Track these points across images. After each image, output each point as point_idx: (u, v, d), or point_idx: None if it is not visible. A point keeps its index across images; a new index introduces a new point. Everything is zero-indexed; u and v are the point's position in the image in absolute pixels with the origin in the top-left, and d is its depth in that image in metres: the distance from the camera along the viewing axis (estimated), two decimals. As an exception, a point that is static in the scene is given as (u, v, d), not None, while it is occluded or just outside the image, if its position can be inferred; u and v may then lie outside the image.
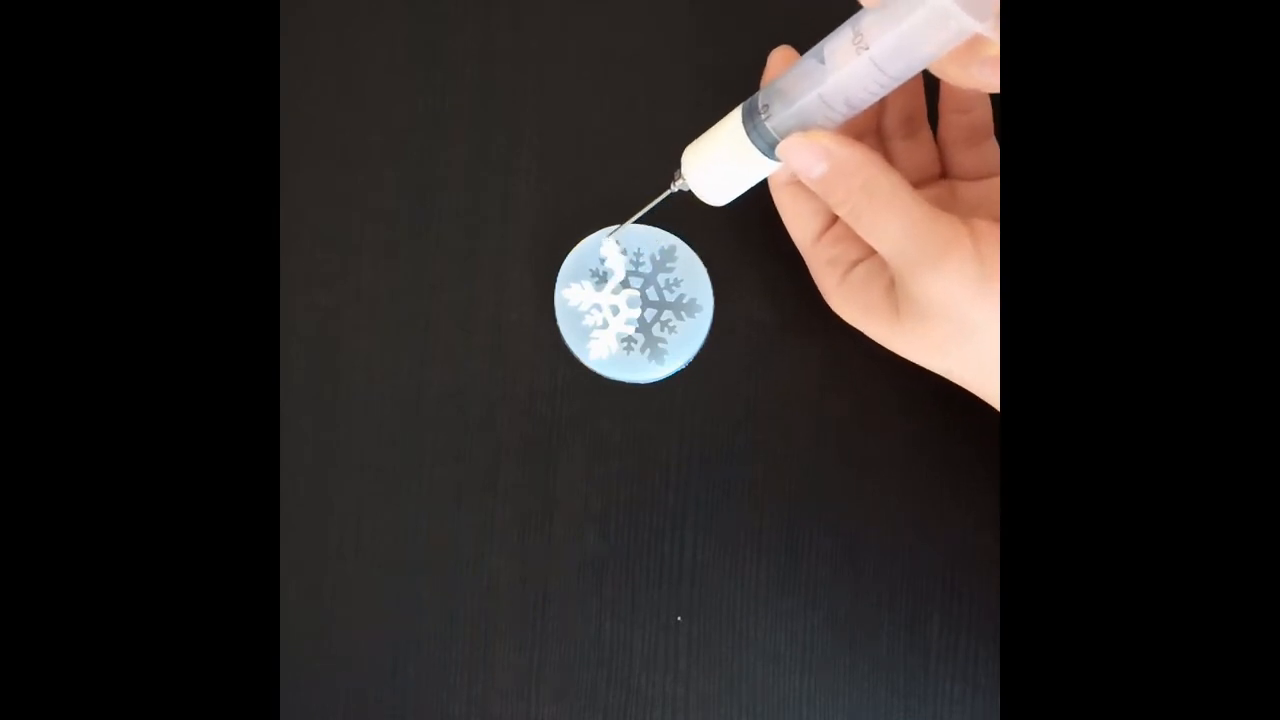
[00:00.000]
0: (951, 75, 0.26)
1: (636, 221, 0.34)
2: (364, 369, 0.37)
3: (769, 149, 0.29)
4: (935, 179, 0.33)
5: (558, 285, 0.36)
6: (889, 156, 0.33)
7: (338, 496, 0.37)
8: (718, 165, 0.31)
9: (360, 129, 0.37)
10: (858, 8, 0.26)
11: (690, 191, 0.32)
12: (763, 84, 0.31)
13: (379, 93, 0.37)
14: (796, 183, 0.31)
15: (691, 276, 0.36)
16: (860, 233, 0.29)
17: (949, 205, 0.33)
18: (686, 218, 0.36)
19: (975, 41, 0.24)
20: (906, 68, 0.26)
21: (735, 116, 0.30)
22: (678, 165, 0.32)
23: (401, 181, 0.37)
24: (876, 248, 0.29)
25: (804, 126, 0.28)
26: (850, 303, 0.32)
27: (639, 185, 0.37)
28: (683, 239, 0.36)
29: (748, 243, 0.36)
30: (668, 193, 0.33)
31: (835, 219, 0.32)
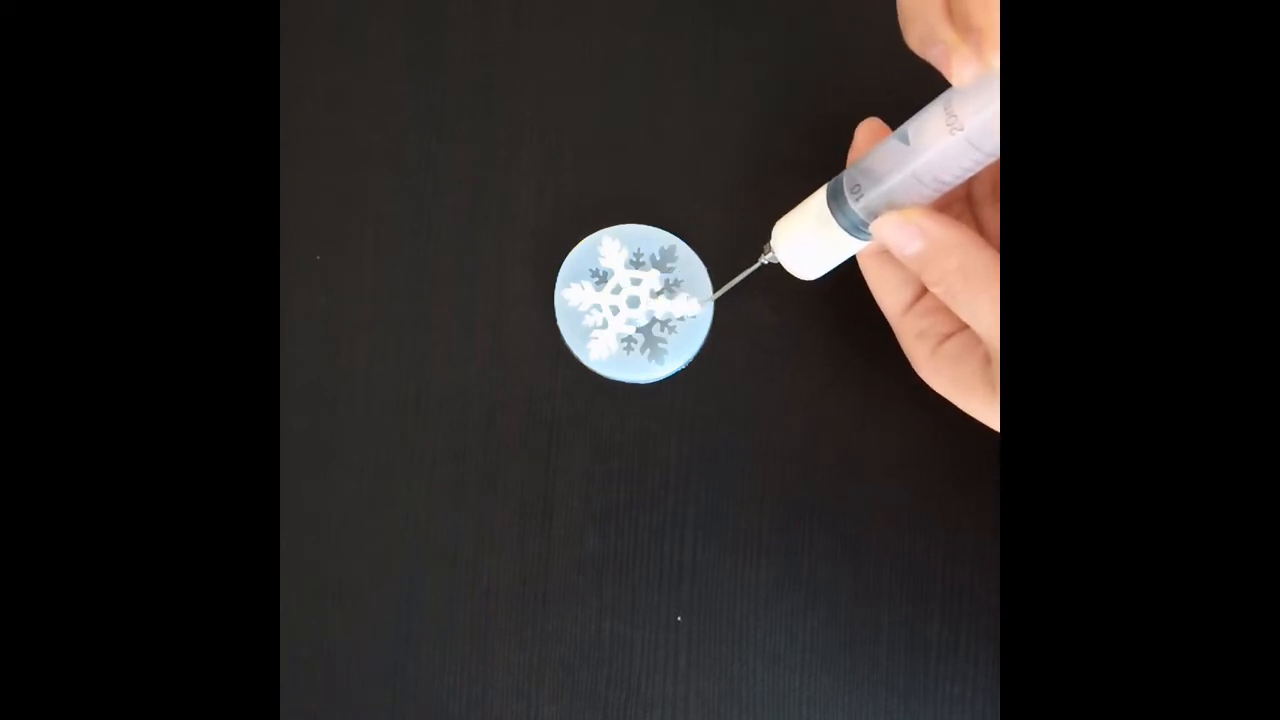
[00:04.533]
0: None
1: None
2: (364, 369, 0.37)
3: (856, 227, 0.29)
4: None
5: (558, 285, 0.36)
6: (978, 223, 0.32)
7: (338, 496, 0.37)
8: (808, 243, 0.31)
9: (360, 129, 0.37)
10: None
11: (779, 264, 0.32)
12: (849, 160, 0.31)
13: (379, 93, 0.37)
14: (885, 253, 0.31)
15: (691, 276, 0.36)
16: (956, 311, 0.29)
17: None
18: (687, 218, 0.36)
19: None
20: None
21: (821, 196, 0.30)
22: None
23: (401, 182, 0.37)
24: (973, 326, 0.28)
25: (895, 205, 0.28)
26: (942, 376, 0.31)
27: (639, 185, 0.37)
28: (683, 239, 0.36)
29: (748, 243, 0.36)
30: (758, 265, 0.33)
31: (925, 289, 0.31)
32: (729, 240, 0.36)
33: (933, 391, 0.31)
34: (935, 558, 0.36)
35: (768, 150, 0.36)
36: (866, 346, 0.34)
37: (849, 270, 0.32)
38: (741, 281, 0.34)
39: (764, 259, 0.33)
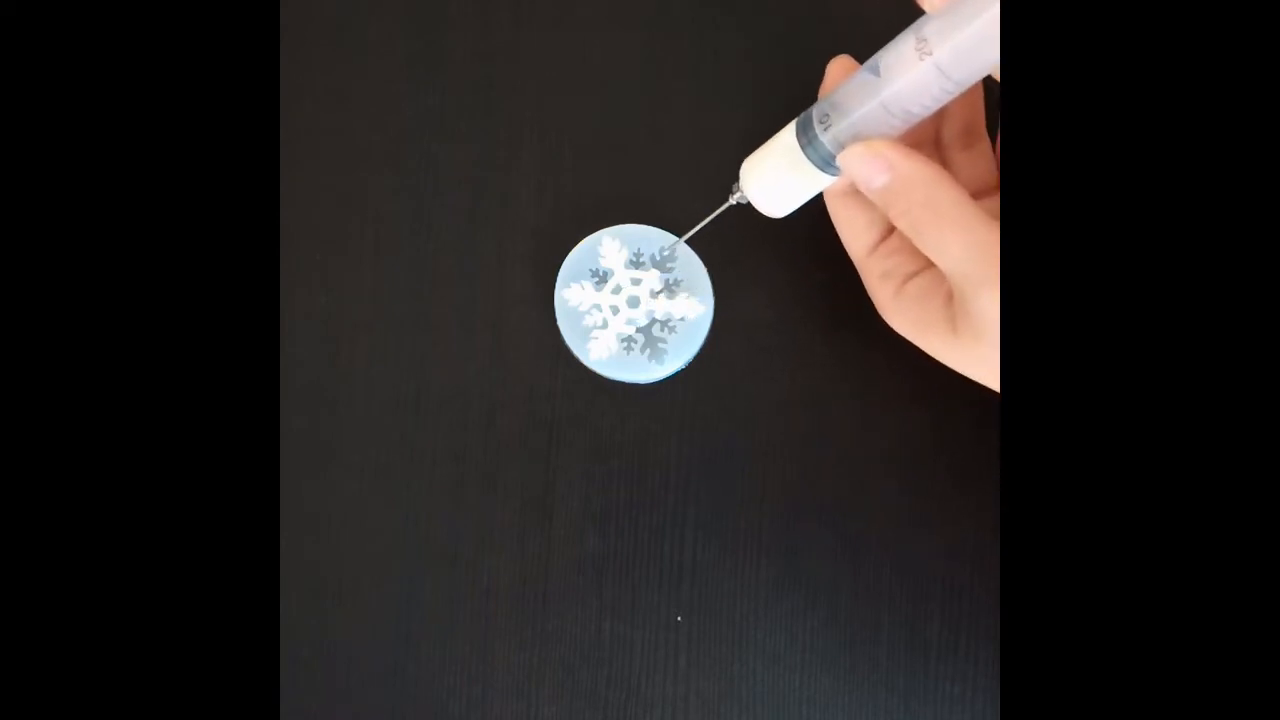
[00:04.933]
0: None
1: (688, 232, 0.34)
2: (364, 369, 0.37)
3: (825, 162, 0.29)
4: (993, 190, 0.33)
5: (558, 285, 0.36)
6: (947, 167, 0.32)
7: (338, 496, 0.37)
8: (776, 178, 0.30)
9: (360, 129, 0.37)
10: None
11: (749, 203, 0.32)
12: (820, 95, 0.31)
13: (378, 93, 0.37)
14: (852, 193, 0.31)
15: (691, 276, 0.36)
16: (920, 247, 0.28)
17: None
18: (687, 218, 0.36)
19: None
20: (972, 72, 0.26)
21: (791, 129, 0.30)
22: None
23: (401, 182, 0.37)
24: (937, 263, 0.28)
25: (863, 137, 0.28)
26: (905, 316, 0.31)
27: (639, 185, 0.37)
28: (683, 239, 0.36)
29: (748, 243, 0.36)
30: (726, 205, 0.33)
31: (890, 230, 0.32)
32: (729, 240, 0.36)
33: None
34: (935, 558, 0.36)
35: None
36: (866, 345, 0.33)
37: (847, 270, 0.32)
38: (734, 280, 0.34)
39: (733, 199, 0.32)
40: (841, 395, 0.36)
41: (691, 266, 0.36)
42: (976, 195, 0.33)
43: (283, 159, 0.36)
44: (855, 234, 0.32)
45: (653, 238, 0.36)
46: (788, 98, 0.37)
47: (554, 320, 0.36)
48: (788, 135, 0.30)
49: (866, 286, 0.32)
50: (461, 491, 0.37)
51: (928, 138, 0.32)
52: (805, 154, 0.29)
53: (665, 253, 0.35)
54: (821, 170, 0.29)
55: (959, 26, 0.25)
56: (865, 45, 0.28)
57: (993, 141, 0.33)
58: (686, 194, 0.36)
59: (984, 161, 0.33)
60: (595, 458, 0.36)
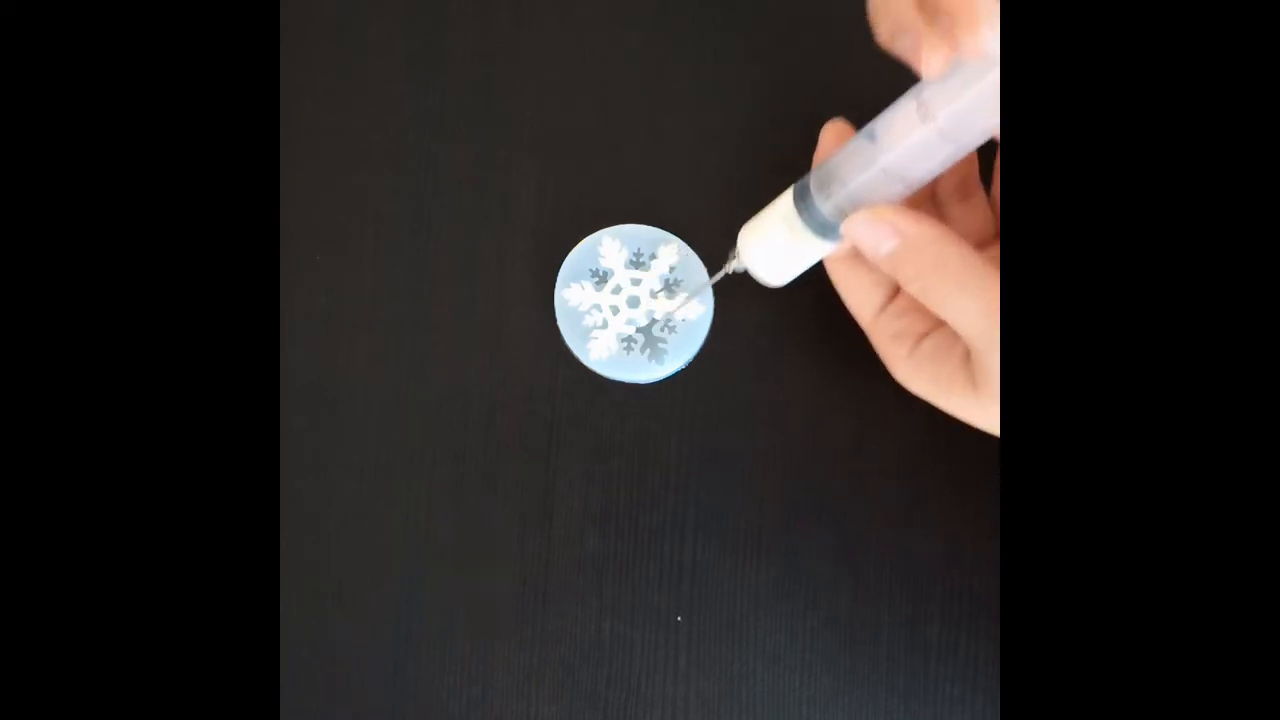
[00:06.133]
0: None
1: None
2: (364, 369, 0.37)
3: (825, 230, 0.29)
4: (991, 240, 0.33)
5: (558, 285, 0.36)
6: (945, 221, 0.32)
7: (338, 496, 0.37)
8: (775, 247, 0.30)
9: (360, 129, 0.37)
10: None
11: (746, 271, 0.31)
12: (815, 162, 0.31)
13: (379, 93, 0.37)
14: (854, 257, 0.30)
15: (691, 276, 0.36)
16: (933, 309, 0.28)
17: None
18: (687, 218, 0.36)
19: None
20: (975, 136, 0.25)
21: (788, 197, 0.29)
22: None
23: (401, 182, 0.37)
24: (952, 324, 0.28)
25: (863, 204, 0.28)
26: (921, 376, 0.31)
27: (639, 185, 0.37)
28: (683, 239, 0.36)
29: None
30: (723, 272, 0.32)
31: (897, 291, 0.31)
32: (729, 240, 0.36)
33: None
34: (935, 558, 0.36)
35: (767, 150, 0.36)
36: (866, 345, 0.33)
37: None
38: (734, 281, 0.34)
39: (729, 266, 0.32)
40: (841, 395, 0.36)
41: (691, 266, 0.36)
42: (977, 247, 0.32)
43: (283, 159, 0.36)
44: (861, 298, 0.31)
45: (653, 238, 0.36)
46: (788, 98, 0.37)
47: (554, 320, 0.36)
48: (785, 203, 0.30)
49: (877, 349, 0.32)
50: (461, 491, 0.37)
51: (924, 193, 0.32)
52: (804, 221, 0.29)
53: (670, 314, 0.35)
54: (821, 238, 0.29)
55: (960, 91, 0.24)
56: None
57: (987, 191, 0.33)
58: (686, 194, 0.36)
59: (982, 212, 0.32)
60: (595, 458, 0.36)
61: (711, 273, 0.35)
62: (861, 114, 0.31)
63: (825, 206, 0.28)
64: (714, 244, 0.36)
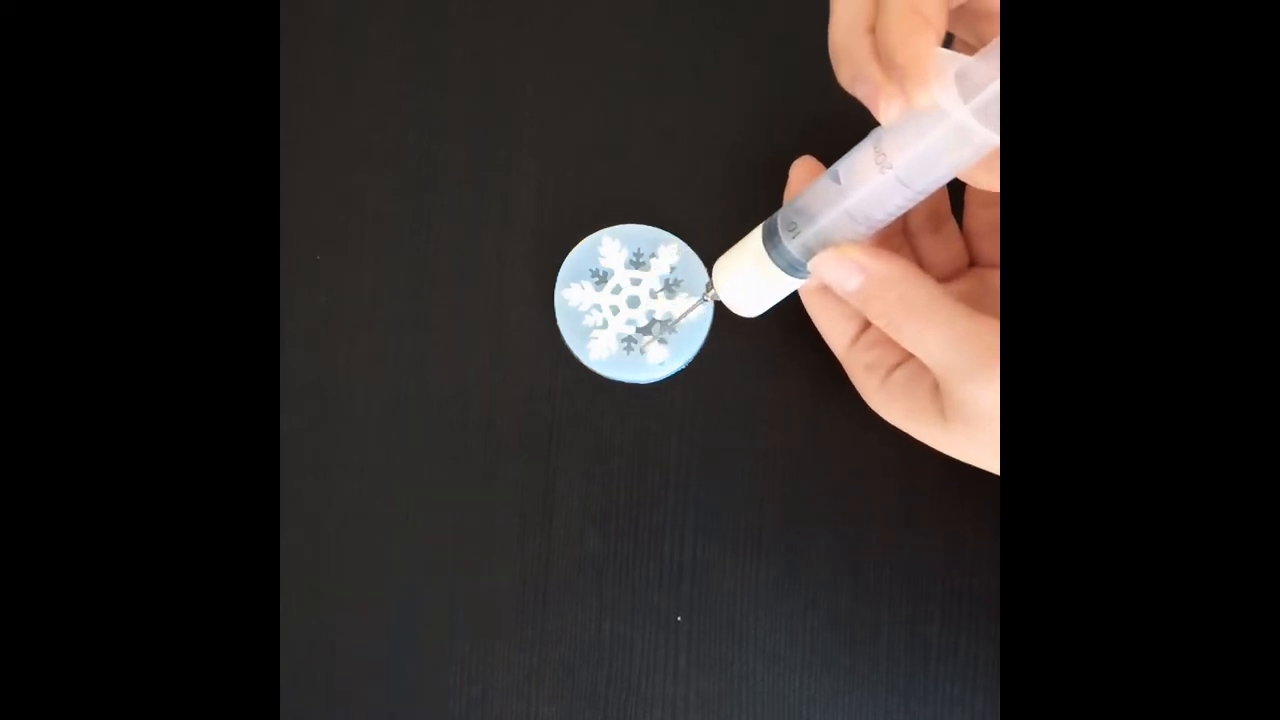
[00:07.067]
0: (981, 181, 0.26)
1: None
2: (364, 369, 0.37)
3: (793, 266, 0.29)
4: (964, 270, 0.33)
5: (558, 285, 0.36)
6: (916, 253, 0.33)
7: (338, 496, 0.37)
8: (746, 281, 0.31)
9: (360, 129, 0.37)
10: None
11: (723, 303, 0.32)
12: (785, 198, 0.31)
13: (378, 93, 0.37)
14: (826, 289, 0.31)
15: (691, 276, 0.36)
16: (901, 343, 0.29)
17: (980, 295, 0.33)
18: (687, 218, 0.36)
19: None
20: (932, 182, 0.26)
21: (758, 235, 0.30)
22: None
23: (401, 182, 0.37)
24: (920, 357, 0.29)
25: (830, 243, 0.28)
26: (894, 406, 0.31)
27: (639, 185, 0.37)
28: (683, 239, 0.36)
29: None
30: (699, 300, 0.33)
31: (869, 323, 0.32)
32: (729, 240, 0.36)
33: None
34: (935, 558, 0.36)
35: (767, 150, 0.36)
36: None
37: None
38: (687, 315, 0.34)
39: (706, 295, 0.32)
40: (841, 395, 0.36)
41: (691, 266, 0.36)
42: (949, 276, 0.33)
43: (283, 159, 0.36)
44: (834, 328, 0.32)
45: (653, 238, 0.36)
46: (788, 98, 0.37)
47: (554, 320, 0.36)
48: (755, 241, 0.30)
49: (851, 378, 0.32)
50: (461, 492, 0.37)
51: (895, 226, 0.32)
52: (772, 259, 0.29)
53: (653, 339, 0.36)
54: (790, 274, 0.29)
55: (915, 140, 0.25)
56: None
57: (958, 222, 0.33)
58: (686, 194, 0.36)
59: (953, 243, 0.33)
60: (595, 458, 0.36)
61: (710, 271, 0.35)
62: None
63: (793, 245, 0.29)
64: (714, 244, 0.36)
